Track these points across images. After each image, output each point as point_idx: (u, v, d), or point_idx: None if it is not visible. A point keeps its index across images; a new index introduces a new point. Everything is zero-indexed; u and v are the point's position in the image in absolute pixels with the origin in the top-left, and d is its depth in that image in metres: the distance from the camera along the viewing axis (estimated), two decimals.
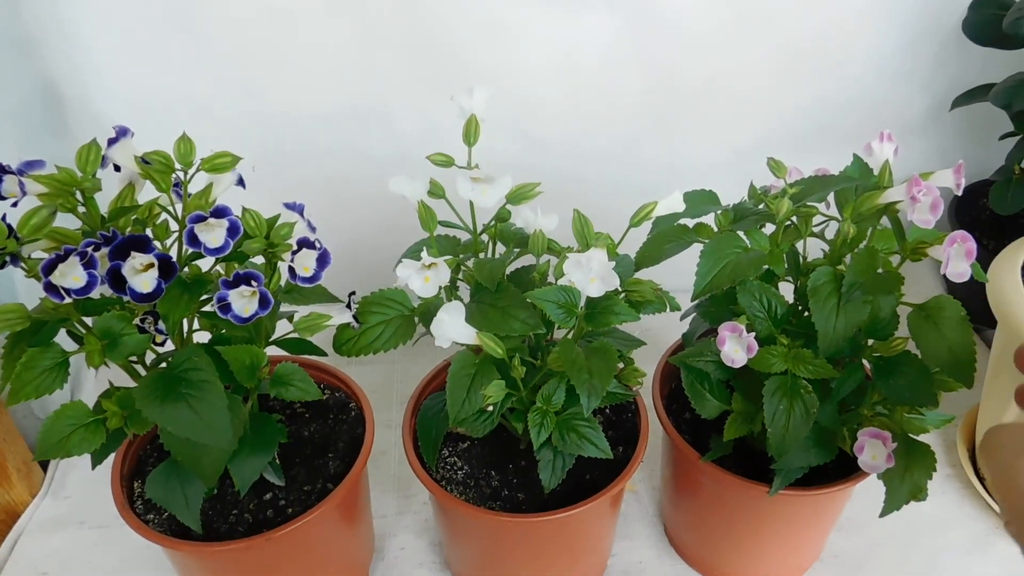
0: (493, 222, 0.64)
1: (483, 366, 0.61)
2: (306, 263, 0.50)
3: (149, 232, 0.54)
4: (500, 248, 0.68)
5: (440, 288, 0.57)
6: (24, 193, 0.42)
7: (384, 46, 0.88)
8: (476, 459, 0.70)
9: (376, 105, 0.91)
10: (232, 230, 0.47)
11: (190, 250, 0.47)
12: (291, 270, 0.50)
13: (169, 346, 0.56)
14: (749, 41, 0.95)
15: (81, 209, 0.48)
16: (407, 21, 0.86)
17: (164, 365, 0.55)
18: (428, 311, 0.62)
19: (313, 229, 0.56)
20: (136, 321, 0.49)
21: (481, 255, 0.66)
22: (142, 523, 0.61)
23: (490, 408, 0.59)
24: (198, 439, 0.50)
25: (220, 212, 0.46)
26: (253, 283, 0.48)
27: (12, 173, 0.43)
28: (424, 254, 0.55)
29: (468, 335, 0.57)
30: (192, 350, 0.52)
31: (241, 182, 0.56)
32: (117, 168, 0.52)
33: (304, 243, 0.50)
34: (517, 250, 0.66)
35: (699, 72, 0.96)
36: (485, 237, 0.65)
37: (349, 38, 0.86)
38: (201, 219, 0.46)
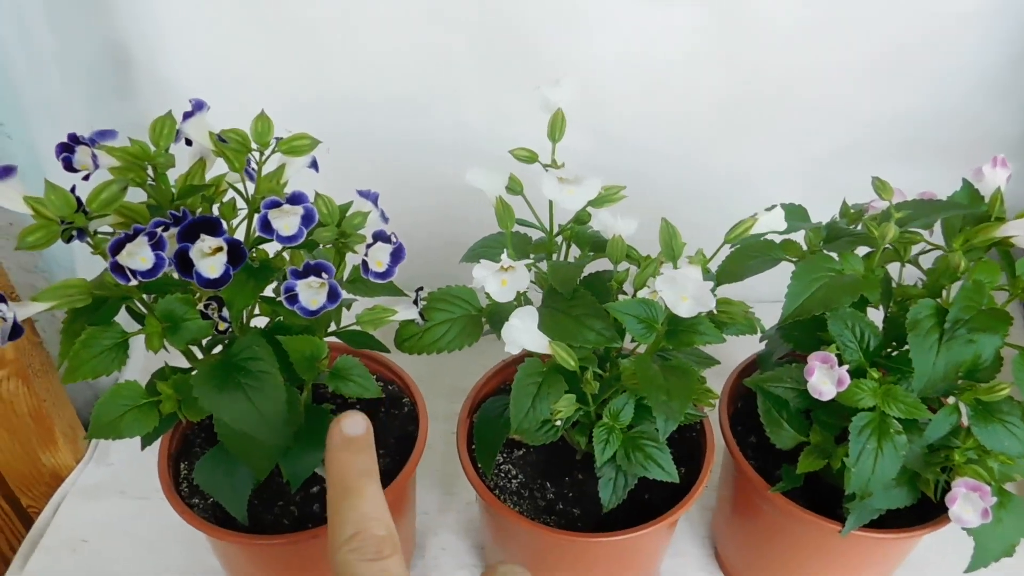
0: (571, 224, 0.61)
1: (550, 375, 0.58)
2: (380, 257, 0.48)
3: (216, 211, 0.52)
4: (574, 251, 0.64)
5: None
6: (97, 166, 0.40)
7: (454, 29, 0.84)
8: (531, 468, 0.67)
9: (443, 91, 0.87)
10: (307, 218, 0.44)
11: (258, 234, 0.44)
12: (364, 264, 0.47)
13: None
14: (838, 45, 0.89)
15: (151, 183, 0.46)
16: (480, 3, 0.83)
17: (220, 349, 0.52)
18: (497, 313, 0.59)
19: (386, 220, 0.53)
20: (199, 306, 0.46)
21: (554, 257, 0.62)
22: (187, 507, 0.59)
23: (558, 422, 0.56)
24: (254, 433, 0.48)
25: (296, 199, 0.44)
26: (323, 275, 0.46)
27: (85, 144, 0.41)
28: (504, 256, 0.52)
29: (540, 343, 0.54)
30: (253, 338, 0.50)
31: (314, 164, 0.53)
32: (188, 142, 0.50)
33: (380, 236, 0.47)
34: (592, 254, 0.63)
35: (783, 75, 0.91)
36: (559, 238, 0.62)
37: (418, 18, 0.83)
38: (275, 205, 0.43)
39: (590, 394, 0.57)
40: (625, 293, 0.61)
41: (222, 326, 0.47)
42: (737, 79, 0.90)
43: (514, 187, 0.60)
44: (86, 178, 0.40)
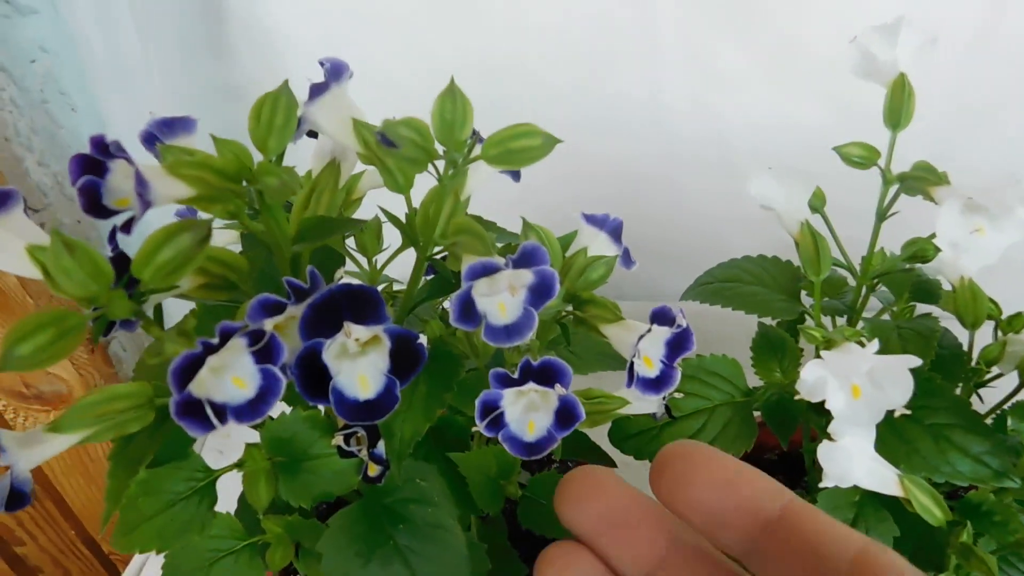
0: (902, 261, 0.37)
1: (869, 509, 0.36)
2: (651, 352, 0.26)
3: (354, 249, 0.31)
4: (874, 300, 0.41)
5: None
6: (146, 203, 0.19)
7: None
8: None
9: (636, 41, 0.64)
10: (540, 292, 0.23)
11: (454, 324, 0.23)
12: (630, 369, 0.25)
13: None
14: None
15: (251, 212, 0.26)
16: None
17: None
18: (784, 406, 0.37)
19: (630, 264, 0.32)
20: (337, 437, 0.26)
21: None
22: None
23: None
24: None
25: (530, 256, 0.22)
26: (556, 384, 0.25)
27: (121, 156, 0.20)
28: (869, 347, 0.29)
29: (883, 479, 0.32)
30: (416, 467, 0.30)
31: (515, 172, 0.32)
32: (312, 134, 0.29)
33: (661, 316, 0.25)
34: (926, 309, 0.39)
35: None
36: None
37: None
38: (490, 271, 0.22)
39: (955, 562, 0.34)
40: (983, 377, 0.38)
41: (373, 470, 0.27)
42: None
43: (816, 205, 0.37)
44: (127, 228, 0.20)
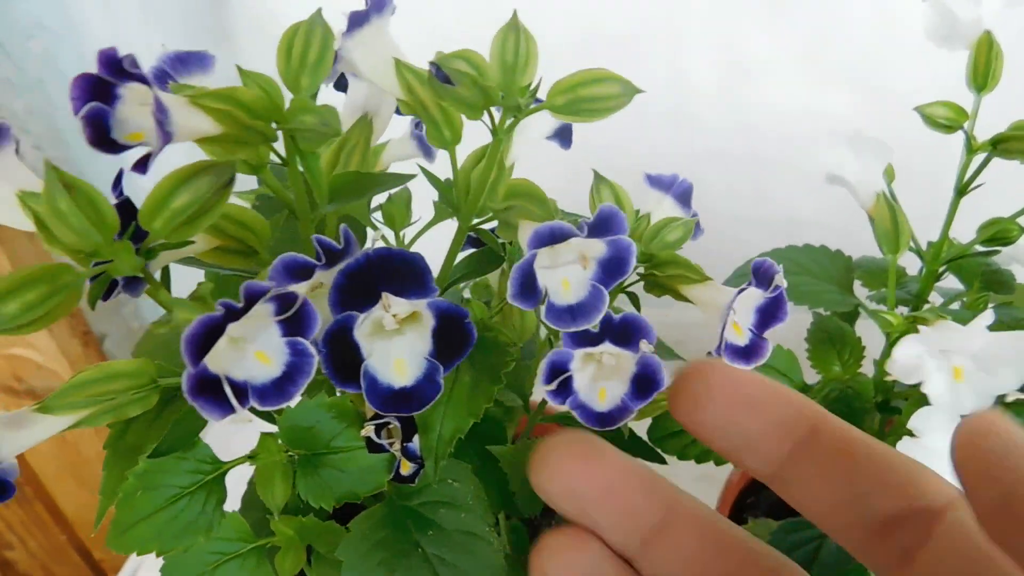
0: (977, 246, 0.34)
1: None
2: (742, 317, 0.23)
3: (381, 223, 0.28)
4: (938, 292, 0.38)
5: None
6: (167, 135, 0.16)
7: None
8: None
9: (659, 26, 0.60)
10: (613, 266, 0.20)
11: (510, 300, 0.20)
12: (721, 335, 0.22)
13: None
14: None
15: (276, 164, 0.23)
16: None
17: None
18: (843, 399, 0.33)
19: (699, 232, 0.29)
20: (368, 430, 0.23)
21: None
22: None
23: None
24: None
25: (607, 221, 0.19)
26: (641, 343, 0.22)
27: (138, 78, 0.16)
28: (980, 320, 0.26)
29: None
30: (448, 466, 0.26)
31: (565, 134, 0.29)
32: (341, 85, 0.26)
33: (762, 272, 0.22)
34: (992, 302, 0.36)
35: None
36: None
37: None
38: (560, 236, 0.19)
39: None
40: None
41: (407, 468, 0.24)
42: None
43: (886, 181, 0.34)
44: (142, 166, 0.17)
